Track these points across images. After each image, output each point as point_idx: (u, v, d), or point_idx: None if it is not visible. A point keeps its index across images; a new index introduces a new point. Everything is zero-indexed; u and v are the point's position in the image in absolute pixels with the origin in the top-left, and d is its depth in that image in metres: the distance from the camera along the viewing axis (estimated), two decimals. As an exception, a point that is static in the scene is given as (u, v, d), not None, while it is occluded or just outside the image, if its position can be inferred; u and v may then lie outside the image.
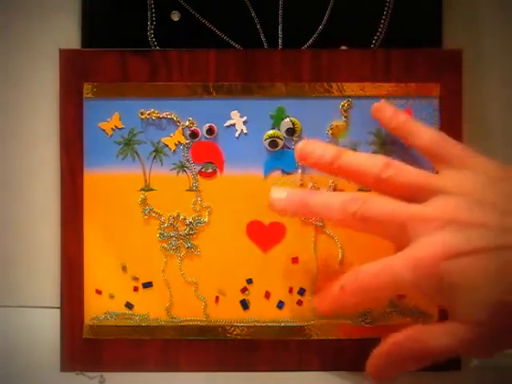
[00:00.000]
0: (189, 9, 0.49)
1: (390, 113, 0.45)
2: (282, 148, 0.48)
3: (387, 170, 0.42)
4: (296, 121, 0.47)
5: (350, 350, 0.48)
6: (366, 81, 0.47)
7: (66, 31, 0.49)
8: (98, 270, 0.48)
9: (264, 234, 0.48)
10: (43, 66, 0.49)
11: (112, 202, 0.48)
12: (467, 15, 0.50)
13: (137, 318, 0.48)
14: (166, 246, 0.48)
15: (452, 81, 0.47)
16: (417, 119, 0.45)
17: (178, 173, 0.48)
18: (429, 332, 0.41)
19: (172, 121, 0.48)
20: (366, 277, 0.41)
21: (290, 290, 0.48)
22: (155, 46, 0.49)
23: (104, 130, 0.48)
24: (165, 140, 0.48)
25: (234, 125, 0.48)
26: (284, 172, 0.48)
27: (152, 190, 0.48)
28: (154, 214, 0.48)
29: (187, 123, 0.48)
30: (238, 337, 0.48)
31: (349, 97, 0.47)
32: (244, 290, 0.48)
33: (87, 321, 0.48)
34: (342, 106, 0.47)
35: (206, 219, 0.48)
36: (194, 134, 0.48)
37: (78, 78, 0.47)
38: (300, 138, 0.47)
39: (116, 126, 0.47)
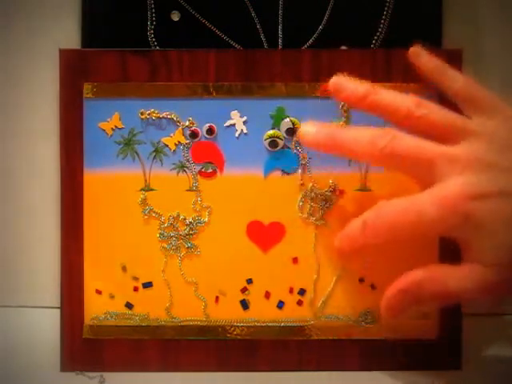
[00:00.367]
0: (189, 9, 0.49)
1: (427, 57, 0.45)
2: (282, 148, 0.48)
3: (419, 108, 0.42)
4: (296, 121, 0.47)
5: (350, 349, 0.48)
6: (366, 81, 0.47)
7: (66, 31, 0.49)
8: (98, 270, 0.48)
9: (264, 234, 0.48)
10: (43, 66, 0.49)
11: (112, 202, 0.48)
12: (467, 15, 0.50)
13: (137, 318, 0.48)
14: (165, 246, 0.48)
15: (452, 81, 0.47)
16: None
17: (178, 173, 0.48)
18: (448, 273, 0.41)
19: (172, 121, 0.48)
20: (391, 213, 0.41)
21: (290, 290, 0.48)
22: (155, 46, 0.49)
23: (104, 130, 0.48)
24: (165, 140, 0.48)
25: (234, 125, 0.48)
26: (284, 172, 0.48)
27: (152, 190, 0.48)
28: (154, 214, 0.48)
29: (187, 123, 0.48)
30: (238, 337, 0.48)
31: (349, 97, 0.47)
32: (244, 289, 0.48)
33: (87, 321, 0.48)
34: (342, 106, 0.47)
35: (206, 219, 0.48)
36: (193, 134, 0.48)
37: (78, 78, 0.47)
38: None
39: (116, 126, 0.47)
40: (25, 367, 0.49)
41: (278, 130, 0.47)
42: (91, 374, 0.48)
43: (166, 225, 0.48)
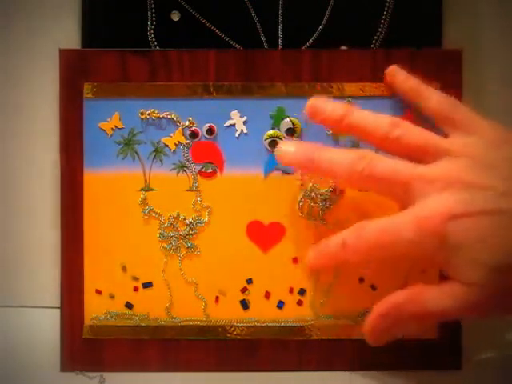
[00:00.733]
0: (189, 9, 0.49)
1: (403, 76, 0.45)
2: (282, 148, 0.47)
3: (395, 129, 0.42)
4: (296, 121, 0.47)
5: (350, 349, 0.48)
6: (365, 81, 0.47)
7: (66, 31, 0.49)
8: (98, 269, 0.48)
9: (264, 234, 0.48)
10: (43, 66, 0.49)
11: (112, 202, 0.48)
12: (467, 15, 0.50)
13: (137, 318, 0.48)
14: (165, 246, 0.48)
15: (452, 81, 0.47)
16: (416, 120, 0.45)
17: (178, 173, 0.48)
18: (428, 293, 0.41)
19: (172, 121, 0.48)
20: (370, 232, 0.41)
21: (290, 290, 0.48)
22: (155, 46, 0.49)
23: (104, 130, 0.48)
24: (165, 140, 0.48)
25: (234, 125, 0.48)
26: (284, 172, 0.48)
27: (152, 190, 0.48)
28: (154, 214, 0.48)
29: (187, 123, 0.48)
30: (238, 337, 0.48)
31: (349, 97, 0.47)
32: (244, 290, 0.48)
33: (87, 321, 0.48)
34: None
35: (206, 219, 0.48)
36: (193, 134, 0.48)
37: (78, 78, 0.47)
38: (300, 137, 0.47)
39: (116, 126, 0.47)
40: (25, 367, 0.49)
41: (278, 129, 0.47)
42: (91, 374, 0.48)
43: (165, 225, 0.48)
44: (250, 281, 0.48)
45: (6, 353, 0.49)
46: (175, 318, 0.48)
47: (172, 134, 0.48)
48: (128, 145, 0.48)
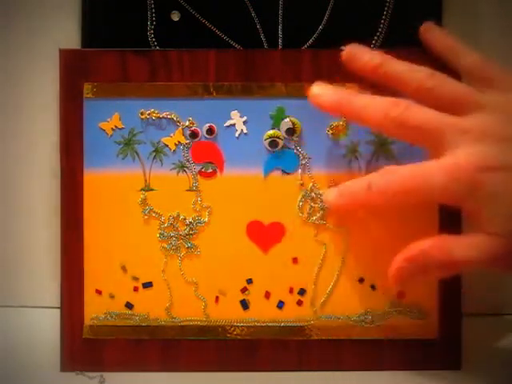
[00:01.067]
0: (189, 9, 0.49)
1: (439, 33, 0.45)
2: (282, 148, 0.47)
3: (430, 79, 0.42)
4: (296, 121, 0.47)
5: (350, 349, 0.48)
6: (365, 81, 0.47)
7: (66, 31, 0.49)
8: (98, 269, 0.48)
9: (264, 234, 0.48)
10: (43, 66, 0.49)
11: (112, 202, 0.48)
12: (467, 15, 0.50)
13: (137, 318, 0.48)
14: (165, 245, 0.48)
15: (452, 81, 0.47)
16: None
17: (178, 173, 0.48)
18: (455, 242, 0.41)
19: (172, 121, 0.48)
20: (398, 177, 0.41)
21: (290, 290, 0.48)
22: (155, 46, 0.49)
23: (104, 130, 0.48)
24: (165, 140, 0.48)
25: (234, 125, 0.47)
26: (284, 172, 0.48)
27: (152, 189, 0.48)
28: (154, 214, 0.48)
29: (187, 123, 0.48)
30: (238, 337, 0.48)
31: (349, 97, 0.47)
32: (244, 290, 0.48)
33: (87, 321, 0.48)
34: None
35: (206, 219, 0.48)
36: (193, 134, 0.48)
37: (78, 78, 0.47)
38: (300, 137, 0.47)
39: (116, 126, 0.47)
40: (25, 367, 0.49)
41: (278, 129, 0.47)
42: (91, 374, 0.48)
43: (166, 225, 0.48)
44: (249, 281, 0.48)
45: (6, 353, 0.49)
46: (175, 318, 0.48)
47: (172, 134, 0.48)
48: (128, 145, 0.48)
